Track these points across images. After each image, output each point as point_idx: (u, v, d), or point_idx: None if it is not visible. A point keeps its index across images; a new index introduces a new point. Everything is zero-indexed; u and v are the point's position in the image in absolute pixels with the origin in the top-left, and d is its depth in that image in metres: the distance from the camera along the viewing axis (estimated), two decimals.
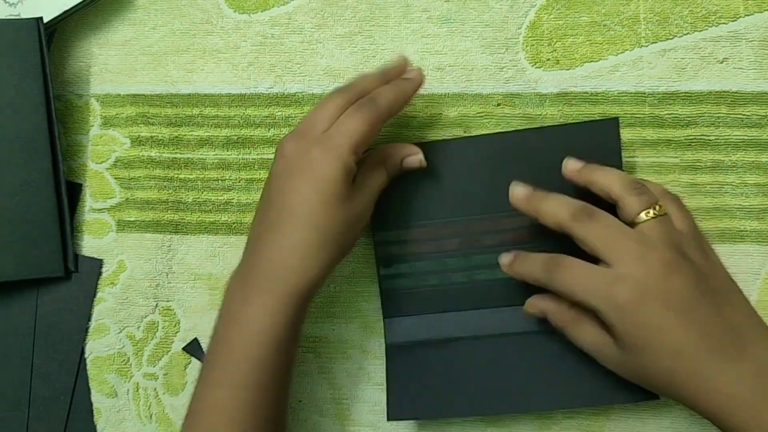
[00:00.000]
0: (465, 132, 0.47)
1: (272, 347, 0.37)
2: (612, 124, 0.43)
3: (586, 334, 0.38)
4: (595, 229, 0.37)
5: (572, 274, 0.37)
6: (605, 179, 0.39)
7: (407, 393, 0.43)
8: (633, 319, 0.35)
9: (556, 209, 0.38)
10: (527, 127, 0.46)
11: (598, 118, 0.45)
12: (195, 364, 0.48)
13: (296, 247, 0.37)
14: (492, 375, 0.42)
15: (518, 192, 0.40)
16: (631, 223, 0.37)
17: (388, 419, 0.43)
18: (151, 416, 0.48)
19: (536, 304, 0.41)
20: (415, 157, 0.43)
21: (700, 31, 0.46)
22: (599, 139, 0.43)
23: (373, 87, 0.41)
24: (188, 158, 0.49)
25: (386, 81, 0.42)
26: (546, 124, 0.46)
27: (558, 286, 0.38)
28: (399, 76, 0.43)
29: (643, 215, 0.37)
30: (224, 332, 0.38)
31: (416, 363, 0.43)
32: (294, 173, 0.38)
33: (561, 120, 0.46)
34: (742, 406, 0.34)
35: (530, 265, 0.39)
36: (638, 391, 0.39)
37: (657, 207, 0.37)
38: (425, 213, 0.45)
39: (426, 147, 0.44)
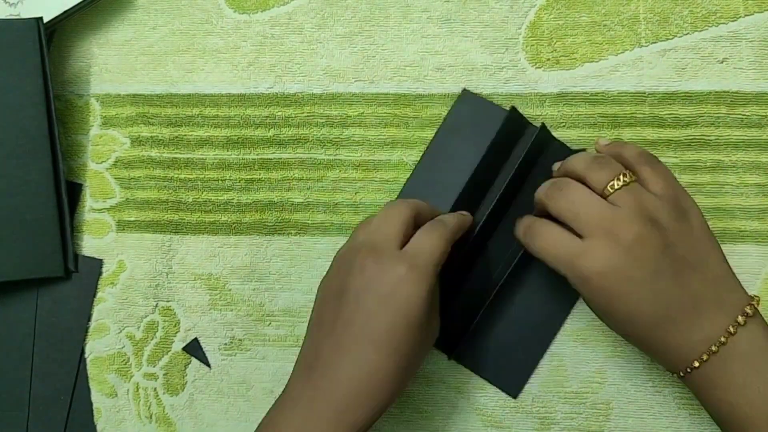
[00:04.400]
0: None
1: None
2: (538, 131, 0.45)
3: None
4: (565, 202, 0.38)
5: (544, 241, 0.39)
6: (570, 164, 0.40)
7: None
8: (596, 288, 0.37)
9: (537, 192, 0.41)
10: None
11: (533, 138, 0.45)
12: (195, 364, 0.48)
13: (374, 374, 0.35)
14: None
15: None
16: (602, 196, 0.38)
17: None
18: (151, 416, 0.48)
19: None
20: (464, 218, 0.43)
21: (700, 31, 0.46)
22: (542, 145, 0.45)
23: (427, 207, 0.42)
24: (188, 158, 0.49)
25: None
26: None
27: (533, 250, 0.39)
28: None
29: (609, 187, 0.37)
30: None
31: None
32: (375, 293, 0.36)
33: (561, 121, 0.46)
34: (689, 353, 0.36)
35: (518, 226, 0.42)
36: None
37: (624, 176, 0.37)
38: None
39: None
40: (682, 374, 0.37)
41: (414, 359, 0.37)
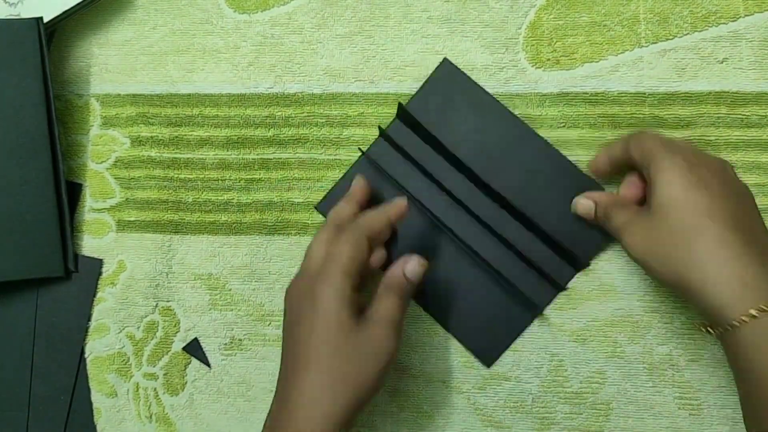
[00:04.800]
0: None
1: None
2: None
3: (624, 213, 0.41)
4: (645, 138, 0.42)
5: (647, 137, 0.41)
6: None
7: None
8: (686, 172, 0.38)
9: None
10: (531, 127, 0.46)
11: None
12: (195, 364, 0.48)
13: (311, 391, 0.38)
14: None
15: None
16: None
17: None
18: (151, 416, 0.48)
19: (588, 195, 0.44)
20: (413, 263, 0.41)
21: (700, 31, 0.46)
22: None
23: (345, 211, 0.43)
24: (188, 158, 0.49)
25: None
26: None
27: (633, 143, 0.41)
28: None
29: None
30: None
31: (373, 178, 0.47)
32: (299, 316, 0.39)
33: (561, 121, 0.46)
34: (748, 294, 0.35)
35: (614, 144, 0.44)
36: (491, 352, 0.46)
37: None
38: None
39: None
40: (741, 321, 0.35)
41: (347, 371, 0.38)
